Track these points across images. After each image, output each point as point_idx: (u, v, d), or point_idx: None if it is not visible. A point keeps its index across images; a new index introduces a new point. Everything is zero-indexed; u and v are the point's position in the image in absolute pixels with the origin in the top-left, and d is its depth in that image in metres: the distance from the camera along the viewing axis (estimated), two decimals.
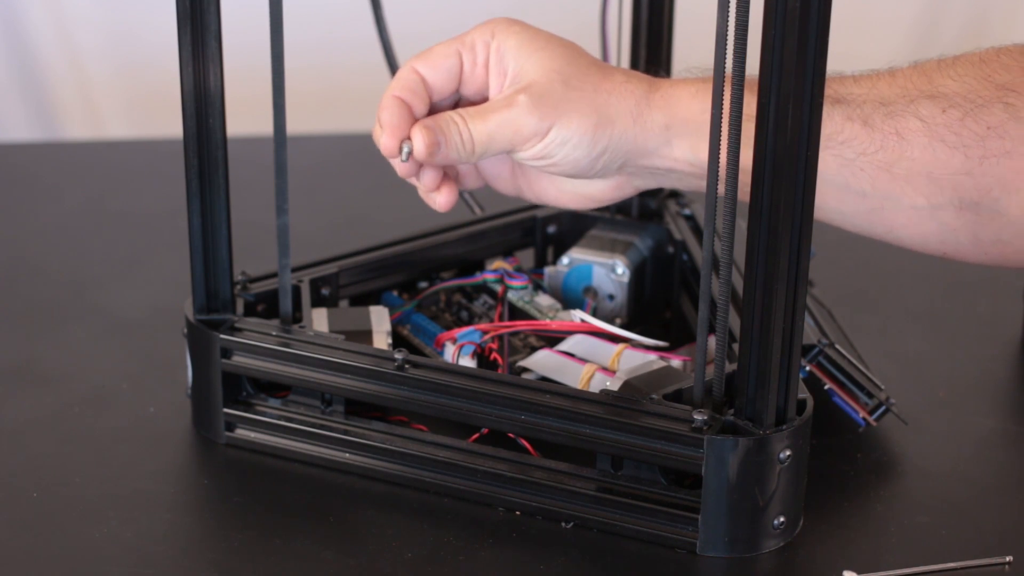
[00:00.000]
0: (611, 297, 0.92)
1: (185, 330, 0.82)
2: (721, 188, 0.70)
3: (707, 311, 0.72)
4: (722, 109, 0.69)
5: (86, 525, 0.75)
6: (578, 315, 0.85)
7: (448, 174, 0.82)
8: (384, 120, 0.78)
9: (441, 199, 0.81)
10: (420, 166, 0.80)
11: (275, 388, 0.82)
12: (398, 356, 0.78)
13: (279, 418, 0.81)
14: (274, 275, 0.85)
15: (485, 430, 0.79)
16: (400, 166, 0.79)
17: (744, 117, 0.69)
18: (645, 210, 0.97)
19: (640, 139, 0.79)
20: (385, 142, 0.78)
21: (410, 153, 0.78)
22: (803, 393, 0.74)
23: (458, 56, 0.81)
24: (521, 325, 0.86)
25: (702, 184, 0.77)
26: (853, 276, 1.05)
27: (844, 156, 0.77)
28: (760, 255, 0.69)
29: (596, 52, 0.96)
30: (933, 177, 0.77)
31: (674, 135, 0.79)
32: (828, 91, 0.75)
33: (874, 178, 0.77)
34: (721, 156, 0.70)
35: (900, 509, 0.78)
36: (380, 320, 0.85)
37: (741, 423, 0.72)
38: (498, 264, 0.92)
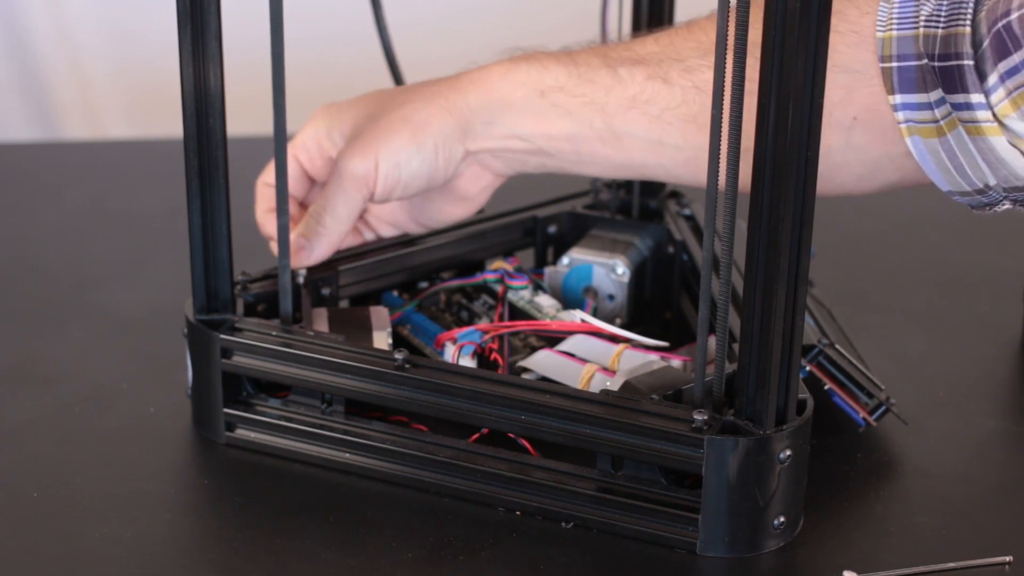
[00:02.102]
0: (611, 297, 0.92)
1: (185, 330, 0.82)
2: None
3: (707, 311, 0.72)
4: (722, 109, 0.69)
5: (86, 525, 0.75)
6: (578, 315, 0.85)
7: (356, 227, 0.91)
8: (271, 234, 0.89)
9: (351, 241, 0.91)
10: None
11: (275, 388, 0.82)
12: (398, 356, 0.78)
13: (279, 418, 0.81)
14: (274, 275, 0.85)
15: (485, 430, 0.79)
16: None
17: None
18: (645, 210, 0.97)
19: (462, 123, 0.84)
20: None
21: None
22: (803, 393, 0.74)
23: (296, 161, 0.89)
24: (521, 325, 0.86)
25: (546, 161, 0.86)
26: (853, 276, 1.05)
27: (649, 113, 0.82)
28: (760, 255, 0.69)
29: None
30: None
31: (493, 114, 0.84)
32: (629, 53, 0.82)
33: (683, 131, 0.81)
34: (722, 155, 0.70)
35: (900, 509, 0.78)
36: (380, 320, 0.85)
37: (741, 423, 0.72)
38: (498, 264, 0.92)
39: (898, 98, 0.76)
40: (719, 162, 0.70)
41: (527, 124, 0.84)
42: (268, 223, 0.89)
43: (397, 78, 0.97)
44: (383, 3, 0.94)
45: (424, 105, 0.84)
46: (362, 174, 0.84)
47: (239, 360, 0.81)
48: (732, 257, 0.70)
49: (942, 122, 0.75)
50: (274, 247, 0.86)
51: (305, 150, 0.88)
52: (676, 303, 0.94)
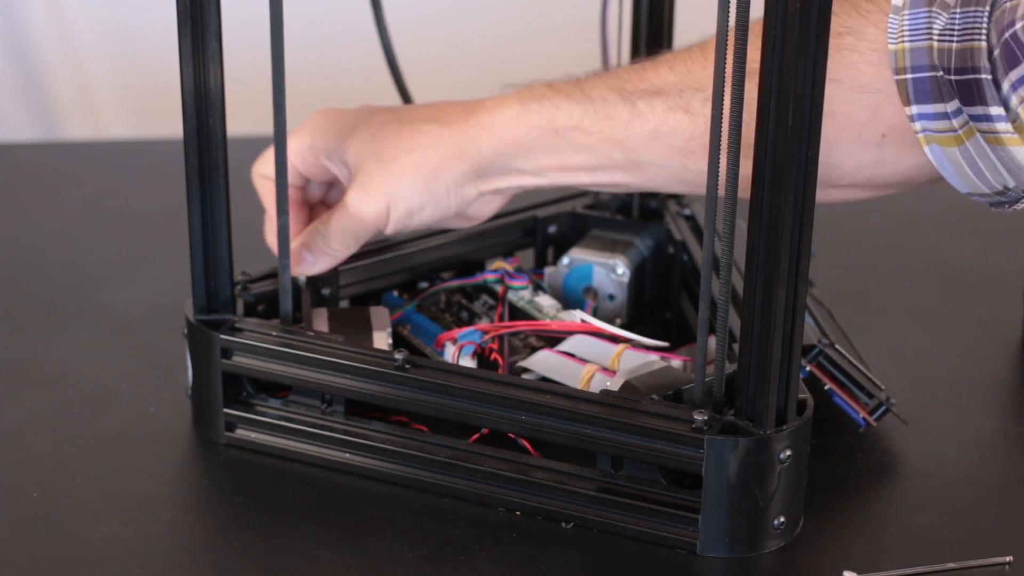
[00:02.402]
0: (611, 297, 0.92)
1: (185, 330, 0.82)
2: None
3: (707, 311, 0.72)
4: (722, 109, 0.69)
5: (86, 525, 0.75)
6: (578, 315, 0.85)
7: None
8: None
9: None
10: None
11: (275, 388, 0.82)
12: (398, 356, 0.78)
13: (279, 418, 0.81)
14: (274, 275, 0.85)
15: (485, 430, 0.79)
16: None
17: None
18: (645, 210, 0.97)
19: (475, 168, 0.84)
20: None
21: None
22: (803, 393, 0.74)
23: (292, 167, 0.87)
24: (521, 325, 0.86)
25: (561, 189, 0.87)
26: (853, 276, 1.05)
27: (673, 145, 0.81)
28: (760, 255, 0.69)
29: (596, 52, 0.97)
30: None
31: (507, 159, 0.84)
32: (645, 84, 0.81)
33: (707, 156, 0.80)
34: (721, 159, 0.70)
35: (900, 509, 0.78)
36: (380, 320, 0.85)
37: (741, 423, 0.72)
38: (498, 264, 0.92)
39: (914, 109, 0.76)
40: (719, 162, 0.70)
41: (543, 161, 0.83)
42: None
43: (397, 78, 0.97)
44: (383, 3, 0.94)
45: (435, 151, 0.83)
46: (372, 217, 0.83)
47: (239, 360, 0.81)
48: (732, 257, 0.70)
49: (960, 131, 0.75)
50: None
51: (301, 158, 0.87)
52: (676, 303, 0.94)
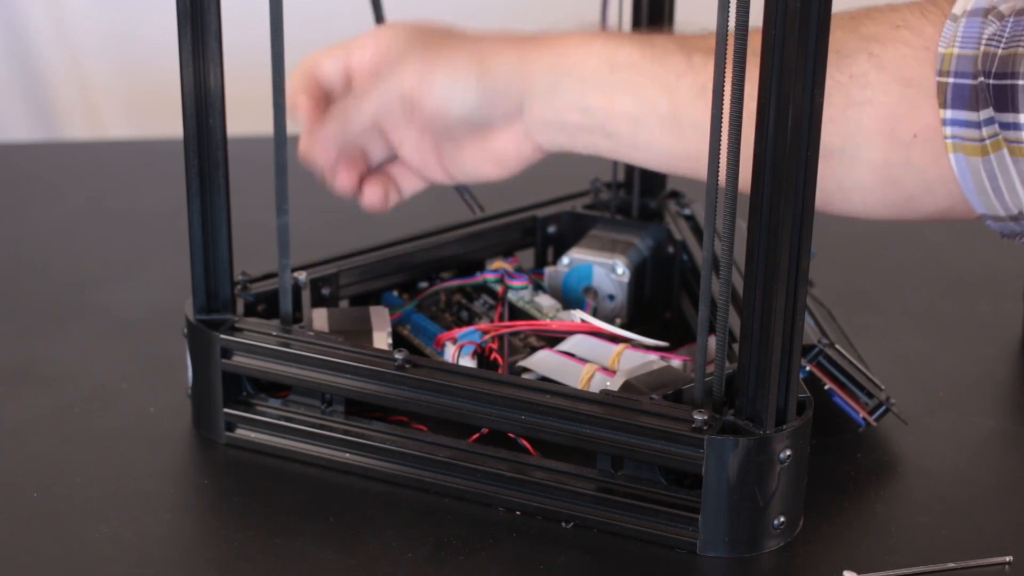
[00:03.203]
0: (611, 297, 0.92)
1: (185, 330, 0.82)
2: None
3: (707, 311, 0.72)
4: (722, 109, 0.69)
5: (86, 525, 0.75)
6: (578, 315, 0.85)
7: (367, 173, 0.88)
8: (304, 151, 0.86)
9: (368, 199, 0.87)
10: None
11: (275, 388, 0.82)
12: (398, 356, 0.78)
13: (279, 418, 0.81)
14: (274, 275, 0.85)
15: (485, 430, 0.79)
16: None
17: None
18: (645, 210, 0.97)
19: (526, 81, 0.82)
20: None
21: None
22: (803, 393, 0.74)
23: (347, 54, 0.86)
24: (521, 325, 0.86)
25: (597, 141, 0.83)
26: (853, 276, 1.05)
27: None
28: (760, 255, 0.69)
29: None
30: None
31: (561, 80, 0.82)
32: (707, 43, 0.80)
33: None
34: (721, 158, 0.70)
35: (900, 509, 0.78)
36: (380, 320, 0.85)
37: (741, 423, 0.72)
38: (498, 264, 0.92)
39: (948, 113, 0.76)
40: (719, 162, 0.70)
41: (592, 97, 0.82)
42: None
43: None
44: (383, 4, 0.94)
45: (498, 51, 0.83)
46: (411, 87, 0.82)
47: (239, 360, 0.81)
48: (732, 257, 0.70)
49: (987, 142, 0.75)
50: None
51: (360, 47, 0.86)
52: (676, 303, 0.94)
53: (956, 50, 0.76)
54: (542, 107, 0.83)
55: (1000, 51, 0.75)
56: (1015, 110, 0.74)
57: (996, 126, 0.75)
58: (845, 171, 0.80)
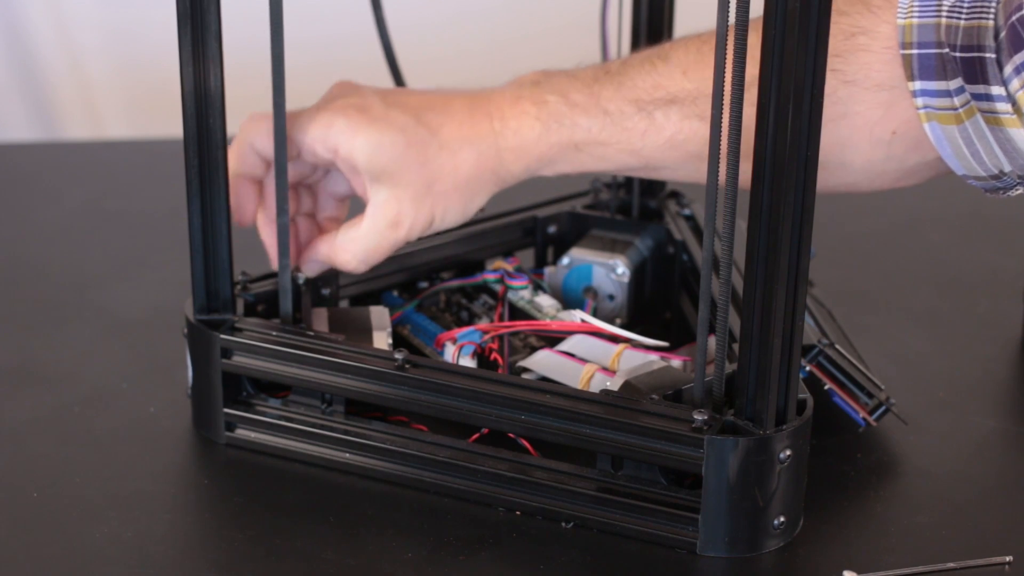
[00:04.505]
0: (611, 297, 0.92)
1: (185, 330, 0.82)
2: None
3: (707, 311, 0.72)
4: (722, 109, 0.69)
5: (86, 525, 0.75)
6: (578, 315, 0.85)
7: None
8: (237, 205, 0.83)
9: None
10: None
11: (275, 388, 0.82)
12: (398, 356, 0.78)
13: (279, 418, 0.81)
14: (274, 275, 0.85)
15: (485, 430, 0.79)
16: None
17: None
18: (645, 210, 0.97)
19: (504, 183, 0.84)
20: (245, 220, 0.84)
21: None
22: (803, 393, 0.74)
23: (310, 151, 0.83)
24: (521, 325, 0.86)
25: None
26: (853, 276, 1.05)
27: (689, 151, 0.82)
28: (760, 255, 0.69)
29: (596, 52, 0.97)
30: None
31: (533, 173, 0.84)
32: (661, 92, 0.81)
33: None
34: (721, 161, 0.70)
35: (900, 509, 0.78)
36: (380, 320, 0.85)
37: (741, 423, 0.72)
38: (498, 264, 0.92)
39: (917, 84, 0.76)
40: (719, 162, 0.70)
41: (563, 169, 0.85)
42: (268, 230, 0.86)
43: (397, 79, 0.97)
44: (383, 4, 0.94)
45: (477, 183, 0.83)
46: (404, 236, 0.83)
47: (239, 360, 0.81)
48: (732, 257, 0.70)
49: (960, 110, 0.75)
50: (272, 253, 0.85)
51: (311, 154, 0.84)
52: (676, 303, 0.94)
53: (915, 20, 0.76)
54: (514, 182, 0.85)
55: (963, 23, 0.75)
56: (985, 82, 0.74)
57: (968, 95, 0.75)
58: (831, 177, 0.81)
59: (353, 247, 0.82)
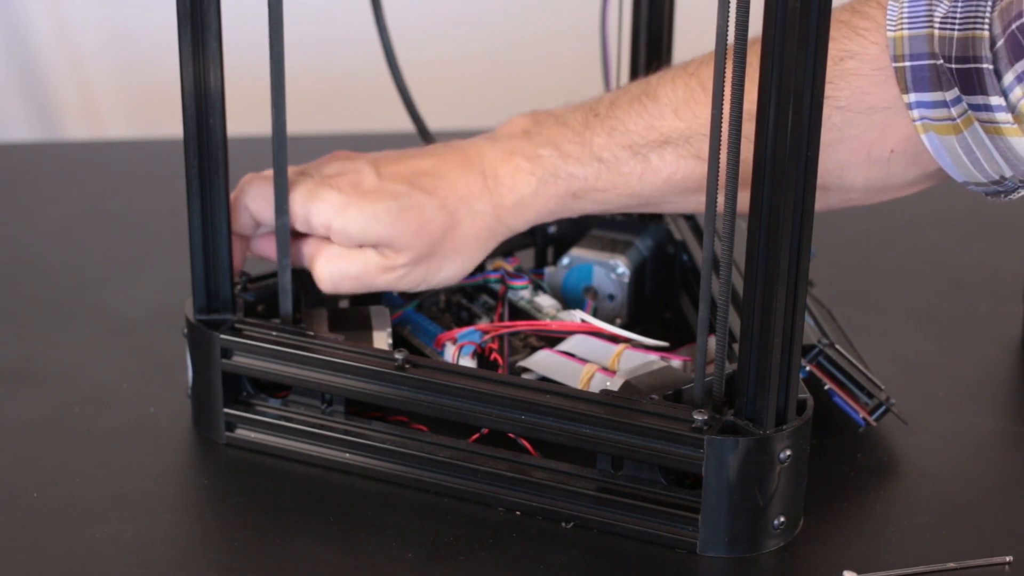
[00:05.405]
0: (611, 297, 0.92)
1: (185, 330, 0.82)
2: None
3: (707, 311, 0.72)
4: (722, 110, 0.69)
5: (86, 525, 0.75)
6: (578, 315, 0.85)
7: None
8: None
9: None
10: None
11: (275, 388, 0.82)
12: (398, 356, 0.78)
13: (279, 418, 0.81)
14: (274, 275, 0.85)
15: (485, 430, 0.79)
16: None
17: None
18: None
19: (501, 240, 0.85)
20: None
21: None
22: (803, 393, 0.74)
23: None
24: (521, 325, 0.86)
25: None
26: (853, 276, 1.05)
27: (688, 188, 0.83)
28: (760, 255, 0.69)
29: (596, 53, 0.97)
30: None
31: (532, 224, 0.85)
32: (654, 134, 0.82)
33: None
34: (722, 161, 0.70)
35: (900, 509, 0.78)
36: (380, 320, 0.85)
37: (741, 423, 0.72)
38: (498, 264, 0.92)
39: (912, 96, 0.76)
40: (719, 162, 0.70)
41: (564, 216, 0.86)
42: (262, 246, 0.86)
43: (397, 79, 0.97)
44: (383, 4, 0.94)
45: (476, 244, 0.84)
46: (390, 285, 0.83)
47: (239, 360, 0.81)
48: (732, 257, 0.70)
49: (958, 120, 0.75)
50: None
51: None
52: (676, 303, 0.94)
53: (906, 32, 0.76)
54: (511, 225, 0.85)
55: (956, 33, 0.74)
56: (983, 92, 0.74)
57: (964, 105, 0.75)
58: (832, 196, 0.82)
59: (338, 263, 0.82)
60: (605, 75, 0.99)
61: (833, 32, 0.77)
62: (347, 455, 0.80)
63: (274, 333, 0.81)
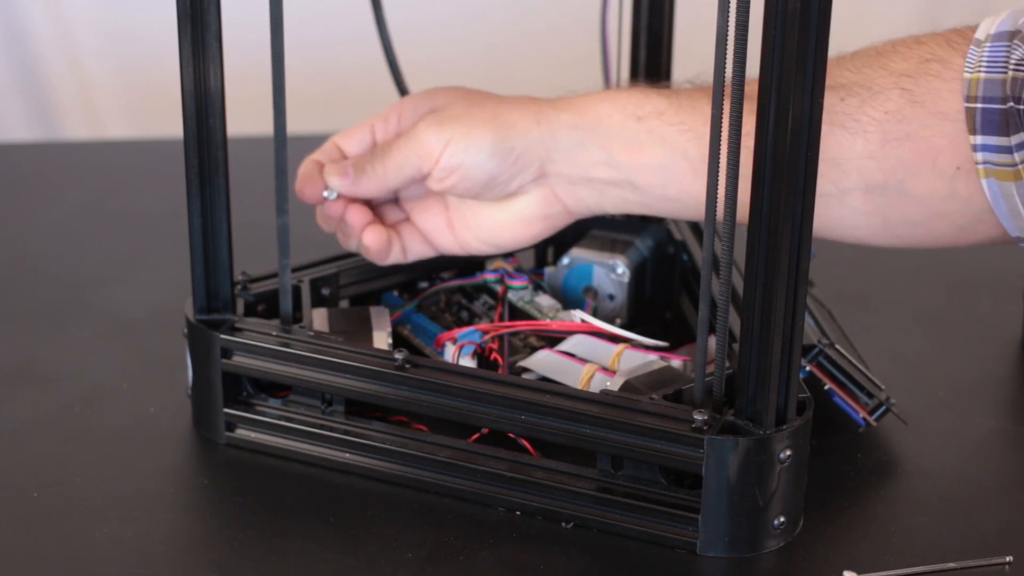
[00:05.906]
0: (611, 297, 0.92)
1: (185, 330, 0.82)
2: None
3: (707, 311, 0.72)
4: (722, 110, 0.69)
5: (86, 525, 0.75)
6: (578, 315, 0.85)
7: (377, 218, 0.87)
8: (301, 174, 0.86)
9: (368, 239, 0.86)
10: (345, 205, 0.86)
11: (275, 388, 0.82)
12: (398, 356, 0.78)
13: (279, 418, 0.81)
14: (274, 275, 0.85)
15: (485, 430, 0.79)
16: (328, 206, 0.86)
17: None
18: None
19: (547, 140, 0.82)
20: (307, 192, 0.85)
21: (333, 193, 0.86)
22: (803, 393, 0.74)
23: (370, 127, 0.87)
24: (521, 325, 0.86)
25: (628, 196, 0.83)
26: (853, 276, 1.05)
27: (749, 146, 0.78)
28: (760, 255, 0.69)
29: (596, 52, 0.97)
30: (837, 163, 0.79)
31: (584, 136, 0.82)
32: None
33: None
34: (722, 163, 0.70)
35: (900, 509, 0.78)
36: (380, 320, 0.85)
37: (741, 423, 0.72)
38: (498, 264, 0.92)
39: (979, 139, 0.76)
40: (719, 162, 0.70)
41: (618, 151, 0.82)
42: (305, 185, 0.86)
43: (397, 79, 0.97)
44: (383, 4, 0.94)
45: (515, 111, 0.82)
46: (430, 146, 0.82)
47: (239, 360, 0.81)
48: (732, 257, 0.70)
49: (1020, 166, 0.75)
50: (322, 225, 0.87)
51: (383, 120, 0.87)
52: (676, 303, 0.94)
53: (982, 75, 0.76)
54: (566, 166, 0.83)
55: None
56: None
57: None
58: (891, 207, 0.80)
59: (392, 152, 0.84)
60: (605, 74, 0.99)
61: (927, 39, 0.77)
62: (347, 455, 0.80)
63: (274, 333, 0.81)
